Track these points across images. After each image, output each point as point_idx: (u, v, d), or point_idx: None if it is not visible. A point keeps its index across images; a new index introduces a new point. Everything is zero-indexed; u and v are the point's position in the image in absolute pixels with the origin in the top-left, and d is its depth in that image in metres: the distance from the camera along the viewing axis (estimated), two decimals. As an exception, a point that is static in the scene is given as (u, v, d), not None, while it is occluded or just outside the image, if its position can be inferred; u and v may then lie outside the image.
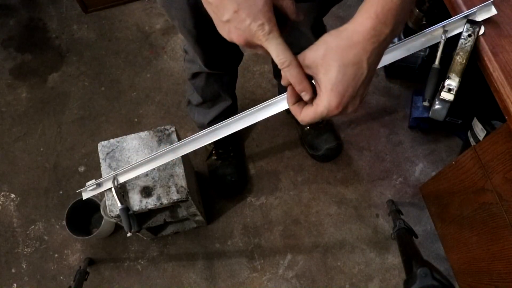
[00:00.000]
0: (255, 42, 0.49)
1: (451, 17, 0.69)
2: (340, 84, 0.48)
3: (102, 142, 1.09)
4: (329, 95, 0.49)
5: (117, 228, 1.39)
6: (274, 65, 1.33)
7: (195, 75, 1.15)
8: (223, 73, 1.15)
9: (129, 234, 1.00)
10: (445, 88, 0.65)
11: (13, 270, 1.37)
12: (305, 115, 0.53)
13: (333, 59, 0.47)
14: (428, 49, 1.35)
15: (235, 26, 0.48)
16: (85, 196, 0.98)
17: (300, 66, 0.50)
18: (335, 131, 1.45)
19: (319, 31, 1.09)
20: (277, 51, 0.49)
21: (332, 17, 1.66)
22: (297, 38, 1.10)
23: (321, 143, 1.40)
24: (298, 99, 0.54)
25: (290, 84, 0.53)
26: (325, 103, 0.49)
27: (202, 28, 0.89)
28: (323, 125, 1.42)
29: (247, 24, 0.47)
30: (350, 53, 0.47)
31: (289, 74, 0.51)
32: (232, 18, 0.48)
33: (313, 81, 0.52)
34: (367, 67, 0.48)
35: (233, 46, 1.09)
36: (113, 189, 0.97)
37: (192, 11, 0.83)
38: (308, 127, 1.42)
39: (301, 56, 0.51)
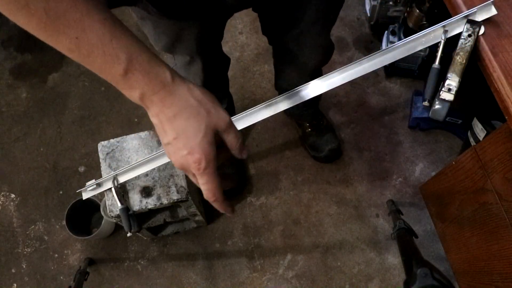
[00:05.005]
0: (191, 171, 0.49)
1: (451, 17, 0.68)
2: None
3: (102, 142, 1.09)
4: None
5: (117, 228, 1.39)
6: (276, 77, 1.29)
7: None
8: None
9: (129, 234, 1.00)
10: (445, 88, 0.64)
11: (13, 270, 1.37)
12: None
13: None
14: (428, 49, 1.35)
15: (174, 152, 0.48)
16: (85, 196, 0.98)
17: (224, 198, 0.52)
18: (335, 131, 1.45)
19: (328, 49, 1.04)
20: (207, 185, 0.50)
21: (332, 17, 1.66)
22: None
23: (322, 144, 1.40)
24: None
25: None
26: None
27: (210, 71, 0.93)
28: (324, 125, 1.42)
29: (183, 154, 0.47)
30: None
31: (214, 205, 0.53)
32: (171, 143, 0.48)
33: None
34: None
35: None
36: (113, 189, 0.97)
37: (200, 47, 0.87)
38: (310, 129, 1.41)
39: None
